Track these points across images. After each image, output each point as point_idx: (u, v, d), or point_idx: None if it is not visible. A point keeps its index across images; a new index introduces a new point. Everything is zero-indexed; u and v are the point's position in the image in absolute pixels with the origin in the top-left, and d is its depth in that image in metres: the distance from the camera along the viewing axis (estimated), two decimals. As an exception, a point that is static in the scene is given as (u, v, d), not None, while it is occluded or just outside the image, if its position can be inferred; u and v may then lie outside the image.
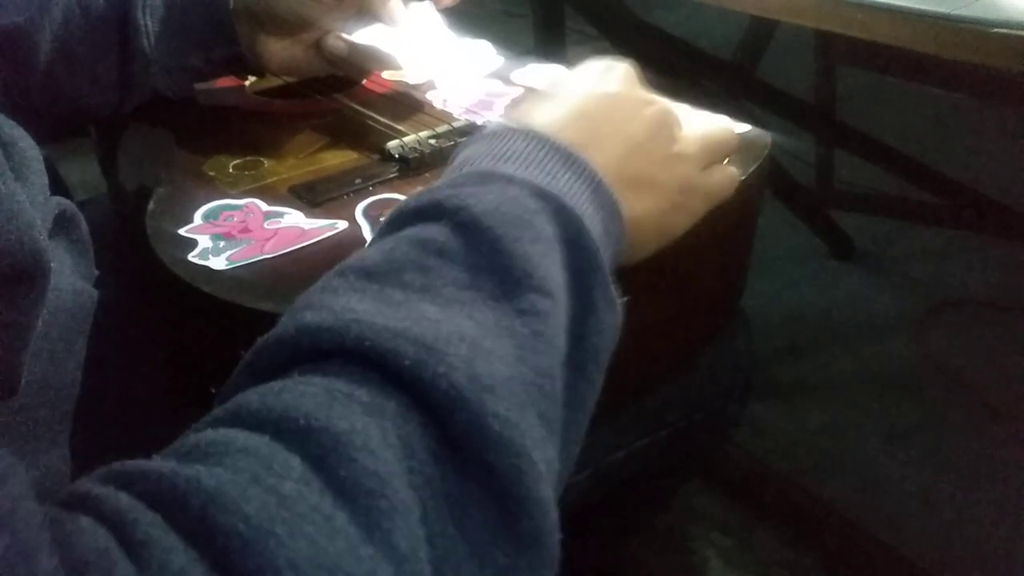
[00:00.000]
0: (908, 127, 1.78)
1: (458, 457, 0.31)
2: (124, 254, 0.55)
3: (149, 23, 0.66)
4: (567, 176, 0.42)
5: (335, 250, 0.53)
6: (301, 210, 0.57)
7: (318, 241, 0.53)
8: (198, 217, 0.56)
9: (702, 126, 0.50)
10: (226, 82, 0.76)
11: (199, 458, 0.29)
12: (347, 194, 0.58)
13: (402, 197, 0.58)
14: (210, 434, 0.30)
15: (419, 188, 0.59)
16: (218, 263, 0.51)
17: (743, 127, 0.62)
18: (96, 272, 0.52)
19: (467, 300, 0.35)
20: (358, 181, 0.60)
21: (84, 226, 0.52)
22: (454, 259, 0.36)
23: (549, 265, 0.37)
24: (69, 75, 0.66)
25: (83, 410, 0.45)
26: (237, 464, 0.28)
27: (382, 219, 0.55)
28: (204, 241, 0.53)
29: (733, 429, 0.73)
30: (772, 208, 1.52)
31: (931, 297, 1.50)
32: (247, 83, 0.77)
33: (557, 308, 0.37)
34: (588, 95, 0.47)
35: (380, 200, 0.58)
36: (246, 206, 0.57)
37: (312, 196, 0.58)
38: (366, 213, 0.56)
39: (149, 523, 0.27)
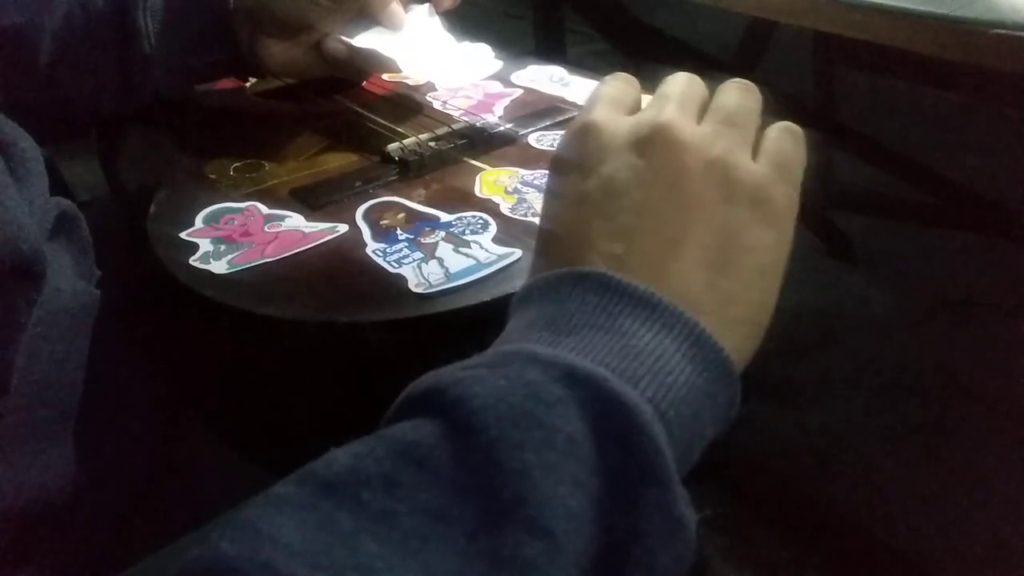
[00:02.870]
0: (908, 127, 1.78)
1: None
2: (125, 255, 0.55)
3: (149, 24, 0.66)
4: (651, 333, 0.32)
5: (336, 253, 0.53)
6: (302, 213, 0.57)
7: (319, 244, 0.53)
8: (199, 220, 0.56)
9: (766, 151, 0.38)
10: (227, 84, 0.76)
11: None
12: (347, 197, 0.58)
13: (402, 200, 0.58)
14: None
15: (419, 190, 0.59)
16: (219, 267, 0.51)
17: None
18: (98, 273, 0.53)
19: (431, 537, 0.27)
20: (358, 184, 0.60)
21: (85, 227, 0.52)
22: (434, 474, 0.28)
23: (556, 485, 0.28)
24: (70, 76, 0.66)
25: (83, 410, 0.45)
26: None
27: (383, 222, 0.56)
28: (205, 245, 0.53)
29: (733, 429, 0.73)
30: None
31: (931, 297, 1.50)
32: (248, 85, 0.77)
33: (554, 555, 0.27)
34: (636, 182, 0.36)
35: (380, 203, 0.58)
36: (247, 209, 0.58)
37: (313, 199, 0.58)
38: (367, 216, 0.56)
39: None
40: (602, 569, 0.28)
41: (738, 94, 0.39)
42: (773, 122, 0.40)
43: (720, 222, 0.35)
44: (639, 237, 0.35)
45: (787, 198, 0.37)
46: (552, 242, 0.37)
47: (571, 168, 0.38)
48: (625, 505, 0.29)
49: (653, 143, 0.36)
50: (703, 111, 0.39)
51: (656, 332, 0.32)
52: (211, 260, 0.52)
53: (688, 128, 0.37)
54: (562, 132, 0.66)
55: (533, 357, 0.31)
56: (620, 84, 0.41)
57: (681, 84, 0.40)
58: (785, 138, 0.39)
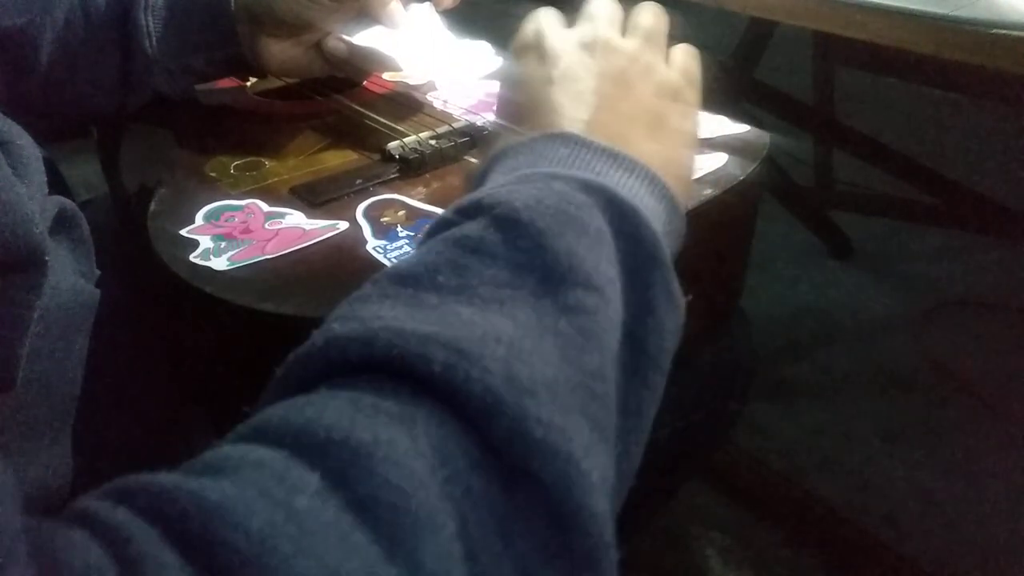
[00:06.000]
0: (908, 127, 1.78)
1: (502, 465, 0.29)
2: (125, 254, 0.55)
3: (151, 24, 0.66)
4: (619, 174, 0.40)
5: (336, 250, 0.53)
6: (302, 211, 0.57)
7: (319, 241, 0.53)
8: (199, 218, 0.56)
9: (676, 64, 0.49)
10: (227, 83, 0.76)
11: (208, 472, 0.27)
12: (348, 194, 0.59)
13: (402, 198, 0.58)
14: (226, 449, 0.29)
15: (420, 188, 0.59)
16: (219, 263, 0.51)
17: (742, 127, 0.62)
18: (98, 272, 0.53)
19: (506, 299, 0.33)
20: (359, 181, 0.60)
21: (85, 225, 0.52)
22: (492, 256, 0.34)
23: (597, 260, 0.35)
24: (71, 76, 0.66)
25: (84, 409, 0.45)
26: (247, 478, 0.27)
27: (383, 220, 0.56)
28: (205, 242, 0.53)
29: (733, 429, 0.73)
30: (772, 208, 1.52)
31: (931, 297, 1.50)
32: (248, 84, 0.77)
33: (607, 304, 0.34)
34: (590, 73, 0.45)
35: (381, 200, 0.58)
36: (247, 207, 0.58)
37: (313, 197, 0.58)
38: (367, 213, 0.56)
39: (145, 539, 0.25)
40: (628, 335, 0.35)
41: (652, 17, 0.49)
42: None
43: (654, 108, 0.45)
44: (598, 112, 0.44)
45: (695, 99, 0.49)
46: (523, 115, 0.45)
47: (533, 61, 0.47)
48: (640, 284, 0.36)
49: (597, 48, 0.46)
50: (622, 27, 0.48)
51: (622, 173, 0.40)
52: (211, 257, 0.52)
53: (621, 41, 0.47)
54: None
55: (553, 174, 0.38)
56: (551, 12, 0.50)
57: (604, 6, 0.49)
58: (689, 56, 0.50)
